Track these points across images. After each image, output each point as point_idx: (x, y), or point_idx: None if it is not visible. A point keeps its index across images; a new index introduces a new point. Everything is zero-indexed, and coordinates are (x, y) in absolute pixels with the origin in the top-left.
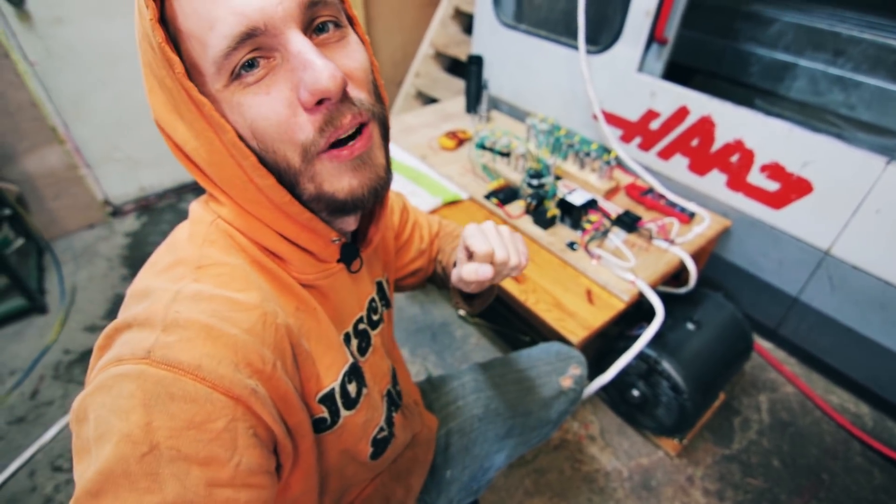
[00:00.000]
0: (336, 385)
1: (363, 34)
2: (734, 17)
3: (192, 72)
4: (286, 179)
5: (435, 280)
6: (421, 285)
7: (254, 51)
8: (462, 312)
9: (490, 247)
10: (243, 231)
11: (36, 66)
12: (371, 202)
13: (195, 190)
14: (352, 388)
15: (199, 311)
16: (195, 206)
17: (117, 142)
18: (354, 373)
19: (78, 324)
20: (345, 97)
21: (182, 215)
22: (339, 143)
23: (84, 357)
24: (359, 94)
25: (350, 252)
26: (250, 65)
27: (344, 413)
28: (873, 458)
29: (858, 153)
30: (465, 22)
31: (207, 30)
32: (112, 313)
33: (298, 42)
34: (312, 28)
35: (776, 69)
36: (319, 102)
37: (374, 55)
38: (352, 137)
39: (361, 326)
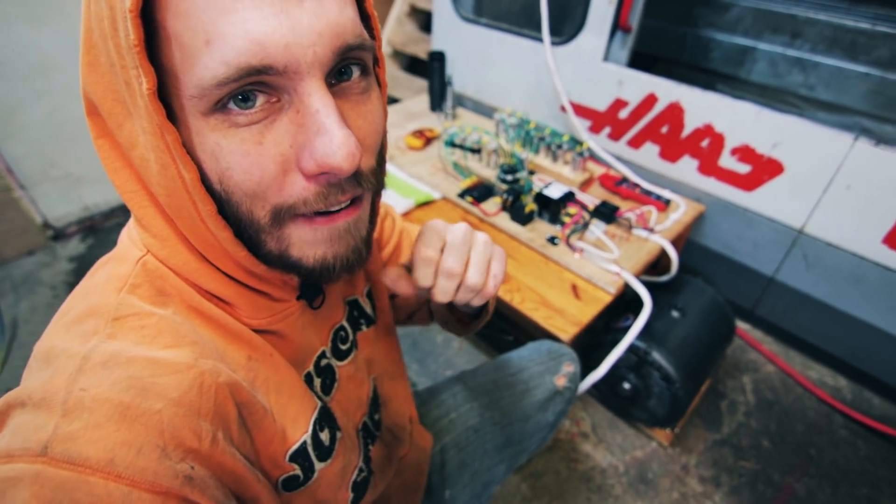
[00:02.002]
0: (307, 436)
1: (384, 79)
2: (693, 3)
3: (165, 79)
4: (246, 234)
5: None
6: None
7: (255, 84)
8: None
9: (435, 252)
10: (179, 272)
11: None
12: (340, 276)
13: None
14: (324, 435)
15: (112, 382)
16: (124, 236)
17: (54, 158)
18: (325, 417)
19: (22, 360)
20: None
21: None
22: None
23: None
24: (366, 164)
25: (311, 287)
26: (244, 98)
27: (318, 466)
28: (856, 429)
29: (826, 132)
30: (422, 19)
31: (202, 44)
32: None
33: (319, 97)
34: (335, 71)
35: (736, 53)
36: (323, 173)
37: None
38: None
39: (324, 362)
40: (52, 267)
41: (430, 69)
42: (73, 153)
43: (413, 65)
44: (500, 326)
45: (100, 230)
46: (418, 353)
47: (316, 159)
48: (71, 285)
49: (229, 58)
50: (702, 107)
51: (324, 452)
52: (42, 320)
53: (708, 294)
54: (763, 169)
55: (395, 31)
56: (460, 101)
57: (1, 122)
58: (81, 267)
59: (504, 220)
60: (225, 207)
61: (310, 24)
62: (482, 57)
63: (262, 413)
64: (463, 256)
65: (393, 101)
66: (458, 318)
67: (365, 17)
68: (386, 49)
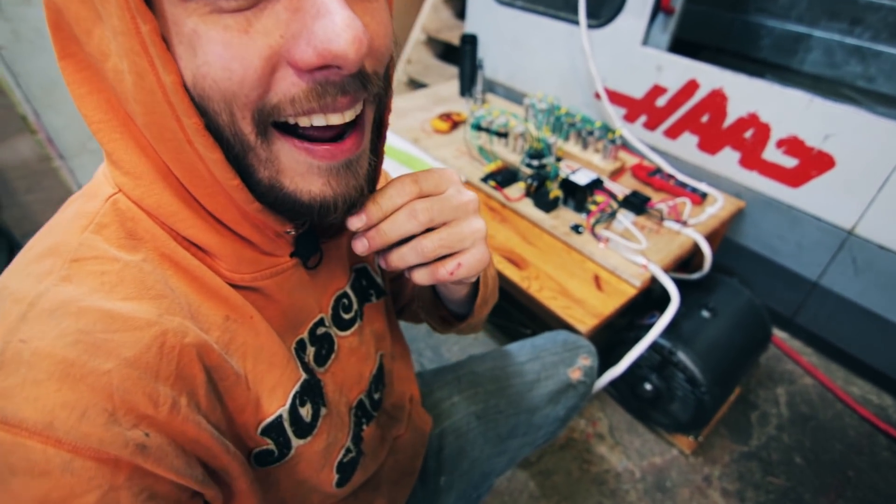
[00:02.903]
0: (284, 410)
1: None
2: None
3: None
4: (231, 154)
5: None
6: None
7: None
8: None
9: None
10: (153, 213)
11: (3, 51)
12: (342, 216)
13: None
14: (305, 410)
15: (58, 335)
16: (98, 171)
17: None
18: (309, 391)
19: None
20: (357, 70)
21: None
22: (312, 129)
23: None
24: (372, 67)
25: (308, 244)
26: None
27: (296, 442)
28: None
29: (886, 123)
30: (458, 6)
31: None
32: None
33: None
34: None
35: (788, 41)
36: (321, 67)
37: None
38: (340, 135)
39: (321, 330)
40: None
41: (462, 52)
42: None
43: (447, 53)
44: (518, 319)
45: None
46: (433, 341)
47: (316, 46)
48: None
49: None
50: (747, 94)
51: (303, 429)
52: None
53: (744, 296)
54: (812, 163)
55: (430, 18)
56: (491, 87)
57: (43, 94)
58: None
59: (527, 206)
60: (205, 119)
61: None
62: (515, 41)
63: (235, 379)
64: (425, 215)
65: (422, 85)
66: (441, 314)
67: None
68: (420, 36)
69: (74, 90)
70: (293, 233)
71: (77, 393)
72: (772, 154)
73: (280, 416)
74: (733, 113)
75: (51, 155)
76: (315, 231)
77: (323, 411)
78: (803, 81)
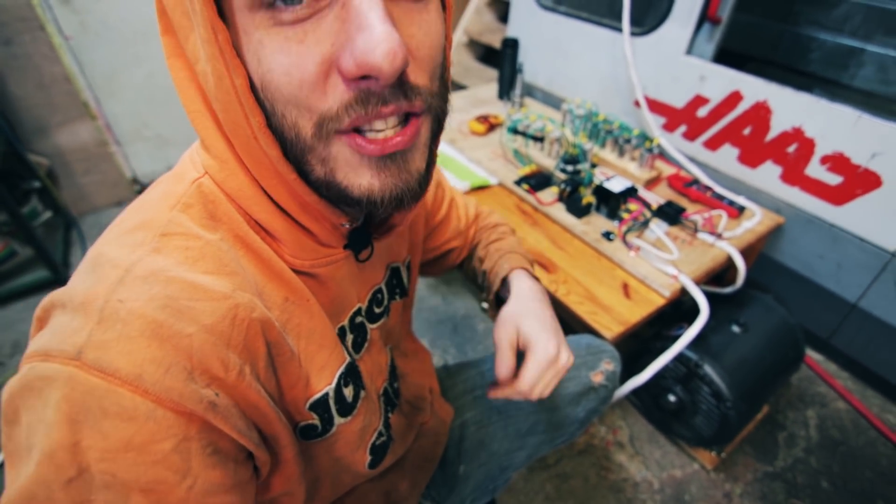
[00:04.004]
0: (331, 389)
1: (450, 1)
2: None
3: None
4: (292, 153)
5: (466, 271)
6: (451, 268)
7: None
8: (486, 305)
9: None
10: (233, 196)
11: (71, 41)
12: (390, 211)
13: None
14: (348, 391)
15: (149, 298)
16: (185, 156)
17: (147, 119)
18: (352, 373)
19: None
20: (399, 81)
21: None
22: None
23: None
24: (418, 78)
25: (361, 238)
26: None
27: (338, 420)
28: None
29: None
30: (501, 9)
31: None
32: None
33: None
34: None
35: (840, 55)
36: (363, 77)
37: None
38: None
39: (358, 320)
40: None
41: (502, 56)
42: (164, 116)
43: (488, 55)
44: None
45: None
46: (458, 339)
47: (355, 57)
48: None
49: None
50: (792, 108)
51: (345, 408)
52: None
53: (777, 314)
54: (857, 181)
55: (473, 21)
56: (529, 91)
57: (104, 83)
58: None
59: (559, 211)
60: (271, 120)
61: None
62: (557, 46)
63: (290, 356)
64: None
65: (461, 87)
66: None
67: None
68: (462, 38)
69: (178, 84)
70: (347, 227)
71: (163, 351)
72: (815, 170)
73: (327, 394)
74: (777, 126)
75: (108, 140)
76: (368, 227)
77: (362, 393)
78: (853, 97)
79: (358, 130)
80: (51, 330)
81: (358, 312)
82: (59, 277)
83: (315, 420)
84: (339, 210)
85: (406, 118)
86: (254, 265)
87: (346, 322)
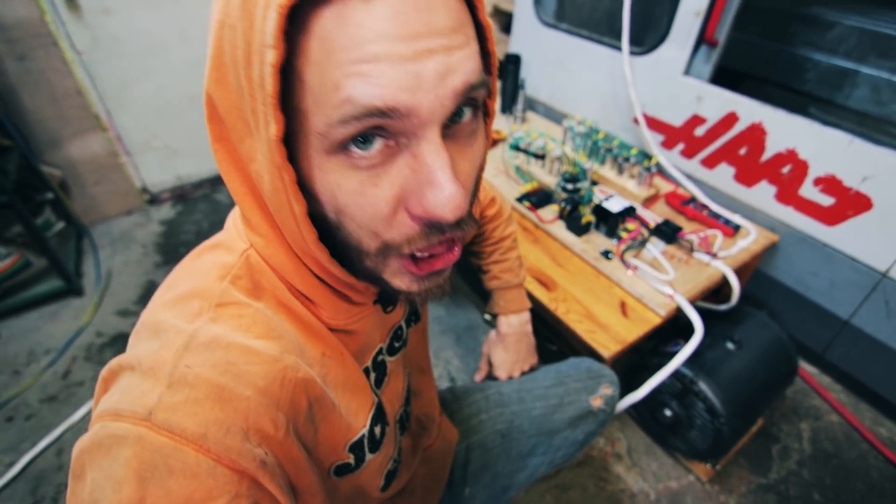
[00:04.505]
0: (365, 430)
1: (493, 108)
2: (790, 19)
3: (294, 116)
4: (347, 255)
5: (467, 255)
6: None
7: (376, 128)
8: (488, 317)
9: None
10: (276, 269)
11: (83, 55)
12: (421, 305)
13: None
14: (377, 429)
15: (212, 364)
16: (230, 223)
17: (157, 131)
18: (379, 413)
19: (111, 307)
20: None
21: (216, 206)
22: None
23: (115, 341)
24: (466, 209)
25: (390, 296)
26: (364, 140)
27: (369, 457)
28: None
29: None
30: (504, 21)
31: (333, 89)
32: (144, 300)
33: (434, 148)
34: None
35: (834, 76)
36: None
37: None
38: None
39: (380, 358)
40: (145, 227)
41: (504, 71)
42: (173, 127)
43: None
44: (544, 335)
45: (189, 199)
46: (461, 350)
47: (425, 207)
48: (159, 245)
49: (357, 99)
50: (787, 130)
51: (375, 445)
52: (133, 274)
53: (771, 330)
54: (848, 203)
55: None
56: (531, 104)
57: (115, 96)
58: (170, 230)
59: (559, 229)
60: (335, 233)
61: (436, 70)
62: (558, 62)
63: (332, 407)
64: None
65: None
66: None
67: (485, 53)
68: None
69: (223, 167)
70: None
71: (225, 413)
72: (808, 191)
73: (363, 436)
74: (772, 147)
75: (118, 151)
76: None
77: (387, 429)
78: (848, 116)
79: (412, 254)
80: (120, 391)
81: (379, 352)
82: (73, 287)
83: (350, 459)
84: (374, 286)
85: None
86: (295, 327)
87: (369, 363)
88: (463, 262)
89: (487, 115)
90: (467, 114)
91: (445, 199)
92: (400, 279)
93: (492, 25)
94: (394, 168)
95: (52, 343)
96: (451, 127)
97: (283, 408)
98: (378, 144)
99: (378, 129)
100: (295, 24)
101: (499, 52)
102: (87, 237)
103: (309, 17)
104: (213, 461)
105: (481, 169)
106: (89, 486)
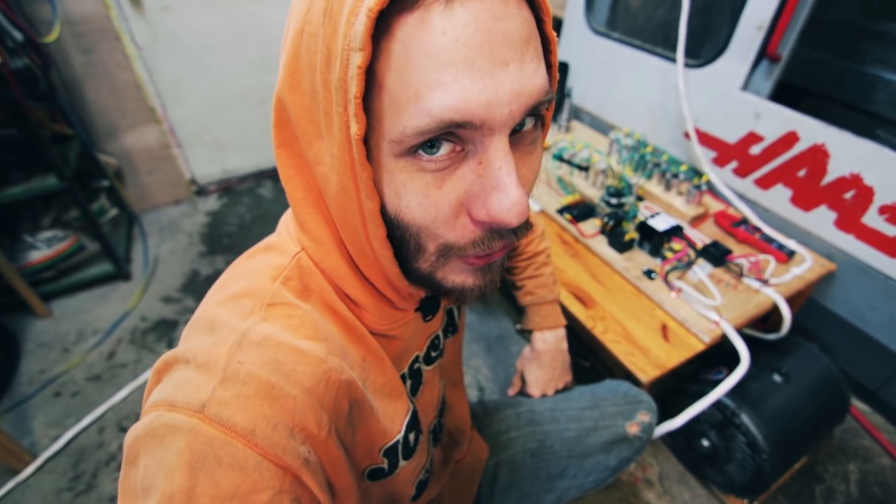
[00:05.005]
0: (400, 437)
1: (549, 120)
2: (861, 35)
3: (369, 122)
4: (405, 256)
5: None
6: None
7: (446, 134)
8: (519, 327)
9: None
10: (326, 272)
11: (143, 51)
12: (473, 302)
13: (273, 176)
14: (412, 437)
15: (263, 362)
16: (283, 227)
17: (208, 125)
18: (414, 420)
19: (156, 293)
20: None
21: (259, 200)
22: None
23: (158, 326)
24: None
25: (431, 304)
26: (432, 144)
27: (402, 463)
28: None
29: None
30: (555, 27)
31: (412, 97)
32: (187, 288)
33: (503, 154)
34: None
35: None
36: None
37: None
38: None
39: (416, 366)
40: (191, 217)
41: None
42: (223, 122)
43: None
44: (578, 350)
45: (234, 191)
46: (491, 360)
47: (489, 211)
48: (204, 236)
49: (435, 112)
50: (852, 154)
51: (408, 451)
52: (178, 262)
53: (821, 364)
54: None
55: None
56: (577, 114)
57: (171, 90)
58: (215, 221)
59: (600, 244)
60: (395, 232)
61: (511, 86)
62: (607, 72)
63: (371, 411)
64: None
65: None
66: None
67: (548, 65)
68: None
69: (284, 172)
70: (420, 295)
71: (273, 409)
72: (872, 219)
73: (398, 441)
74: (834, 171)
75: (171, 143)
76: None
77: (420, 437)
78: None
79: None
80: (174, 382)
81: (416, 360)
82: (122, 272)
83: (384, 464)
84: (427, 289)
85: None
86: (339, 330)
87: (406, 370)
88: None
89: (543, 125)
90: (529, 123)
91: (511, 203)
92: (454, 275)
93: (556, 39)
94: (459, 172)
95: (99, 324)
96: (514, 135)
97: (327, 408)
98: (446, 149)
99: (447, 135)
100: (379, 29)
101: None
102: (137, 224)
103: (393, 22)
104: (260, 456)
105: (535, 182)
106: (142, 472)
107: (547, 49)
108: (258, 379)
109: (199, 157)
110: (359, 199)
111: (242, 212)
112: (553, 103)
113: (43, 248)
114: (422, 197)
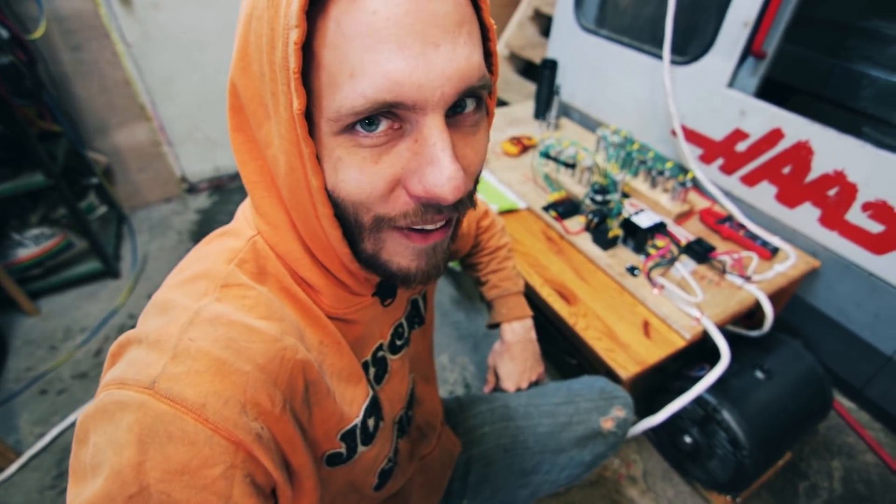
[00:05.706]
0: (358, 421)
1: (493, 110)
2: (847, 32)
3: (309, 98)
4: (349, 232)
5: (465, 268)
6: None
7: (382, 112)
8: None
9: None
10: (281, 255)
11: (132, 48)
12: (417, 286)
13: None
14: (371, 422)
15: (214, 339)
16: (239, 213)
17: (198, 122)
18: (373, 406)
19: (145, 291)
20: None
21: None
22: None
23: None
24: (465, 191)
25: (387, 289)
26: (370, 122)
27: (361, 449)
28: None
29: None
30: (544, 24)
31: (347, 76)
32: None
33: (437, 131)
34: (453, 104)
35: (893, 94)
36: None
37: None
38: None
39: (380, 354)
40: (182, 215)
41: (540, 76)
42: (214, 120)
43: (528, 69)
44: (565, 348)
45: (224, 189)
46: (478, 357)
47: (425, 186)
48: (195, 233)
49: (368, 92)
50: (836, 151)
51: (367, 437)
52: (168, 259)
53: (805, 361)
54: None
55: (515, 35)
56: (566, 111)
57: (161, 88)
58: (205, 219)
59: (585, 241)
60: (335, 210)
61: (442, 68)
62: (596, 69)
63: (326, 392)
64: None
65: (501, 103)
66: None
67: (487, 53)
68: (503, 51)
69: (240, 156)
70: (377, 279)
71: (224, 385)
72: (856, 216)
73: (355, 426)
74: (818, 168)
75: (161, 141)
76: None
77: (381, 424)
78: None
79: (409, 226)
80: (127, 362)
81: (380, 347)
82: (111, 269)
83: (342, 449)
84: (375, 273)
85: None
86: (296, 312)
87: (368, 357)
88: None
89: (488, 114)
90: (470, 105)
91: (445, 178)
92: (397, 257)
93: (494, 27)
94: (397, 149)
95: (87, 322)
96: (454, 116)
97: (281, 386)
98: (384, 125)
99: (385, 113)
100: (316, 8)
101: (538, 56)
102: (126, 223)
103: (328, 1)
104: (211, 431)
105: (483, 161)
106: (91, 449)
107: (486, 37)
108: (209, 355)
109: (189, 154)
110: (306, 178)
111: (233, 209)
112: (495, 93)
113: (31, 246)
114: (357, 171)
